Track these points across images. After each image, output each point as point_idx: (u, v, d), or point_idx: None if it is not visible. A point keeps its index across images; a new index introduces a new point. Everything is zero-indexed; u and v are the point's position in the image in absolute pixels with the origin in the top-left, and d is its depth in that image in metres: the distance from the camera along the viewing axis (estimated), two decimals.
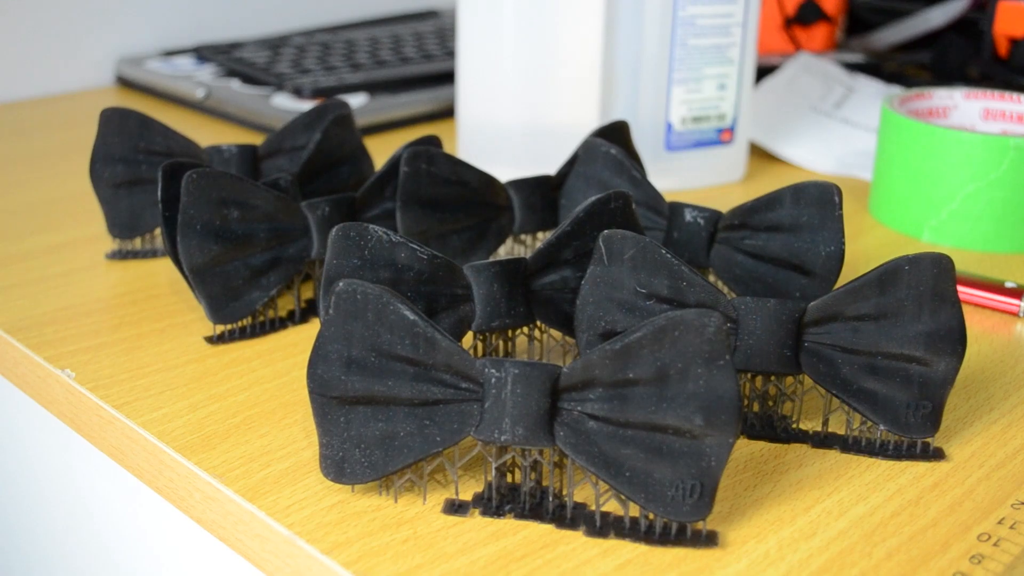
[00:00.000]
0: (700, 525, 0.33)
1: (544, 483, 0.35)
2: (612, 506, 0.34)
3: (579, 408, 0.32)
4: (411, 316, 0.32)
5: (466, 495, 0.35)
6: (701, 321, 0.31)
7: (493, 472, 0.34)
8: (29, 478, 0.52)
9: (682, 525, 0.33)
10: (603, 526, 0.33)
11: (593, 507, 0.34)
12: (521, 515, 0.34)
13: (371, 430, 0.33)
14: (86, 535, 0.49)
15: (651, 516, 0.33)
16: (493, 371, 0.32)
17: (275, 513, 0.34)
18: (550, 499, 0.34)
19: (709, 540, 0.33)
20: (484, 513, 0.34)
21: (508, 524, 0.34)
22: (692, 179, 0.65)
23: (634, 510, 0.34)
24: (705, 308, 0.35)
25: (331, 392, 0.33)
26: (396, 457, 0.33)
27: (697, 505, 0.32)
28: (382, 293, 0.32)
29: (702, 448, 0.31)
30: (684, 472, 0.31)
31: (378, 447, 0.33)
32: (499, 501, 0.34)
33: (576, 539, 0.33)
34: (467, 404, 0.32)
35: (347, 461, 0.33)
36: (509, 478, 0.35)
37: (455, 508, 0.34)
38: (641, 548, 0.33)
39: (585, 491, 0.35)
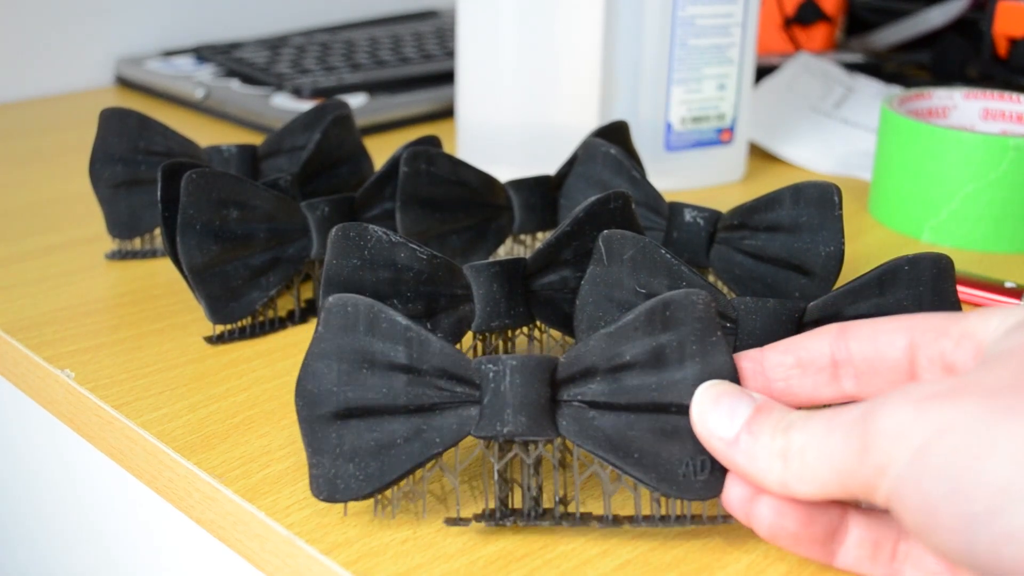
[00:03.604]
0: (715, 508, 0.33)
1: (548, 483, 0.34)
2: (621, 506, 0.34)
3: (580, 398, 0.32)
4: (403, 322, 0.32)
5: (467, 509, 0.34)
6: (689, 299, 0.31)
7: (495, 476, 0.33)
8: (28, 478, 0.52)
9: (693, 509, 0.33)
10: (615, 518, 0.33)
11: (601, 502, 0.33)
12: (527, 519, 0.33)
13: (366, 442, 0.32)
14: (85, 535, 0.49)
15: (662, 500, 0.33)
16: (490, 366, 0.31)
17: (274, 513, 0.34)
18: (556, 497, 0.34)
19: (724, 519, 0.32)
20: (488, 521, 0.33)
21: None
22: (692, 179, 0.65)
23: (644, 506, 0.33)
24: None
25: (322, 409, 0.32)
26: (394, 466, 0.32)
27: (708, 481, 0.31)
28: (373, 303, 0.32)
29: None
30: (692, 448, 0.31)
31: (374, 458, 0.32)
32: (502, 509, 0.33)
33: (576, 539, 0.33)
34: (465, 407, 0.32)
35: (340, 477, 0.32)
36: (510, 496, 0.34)
37: (457, 520, 0.33)
38: (641, 548, 0.33)
39: (592, 496, 0.35)
